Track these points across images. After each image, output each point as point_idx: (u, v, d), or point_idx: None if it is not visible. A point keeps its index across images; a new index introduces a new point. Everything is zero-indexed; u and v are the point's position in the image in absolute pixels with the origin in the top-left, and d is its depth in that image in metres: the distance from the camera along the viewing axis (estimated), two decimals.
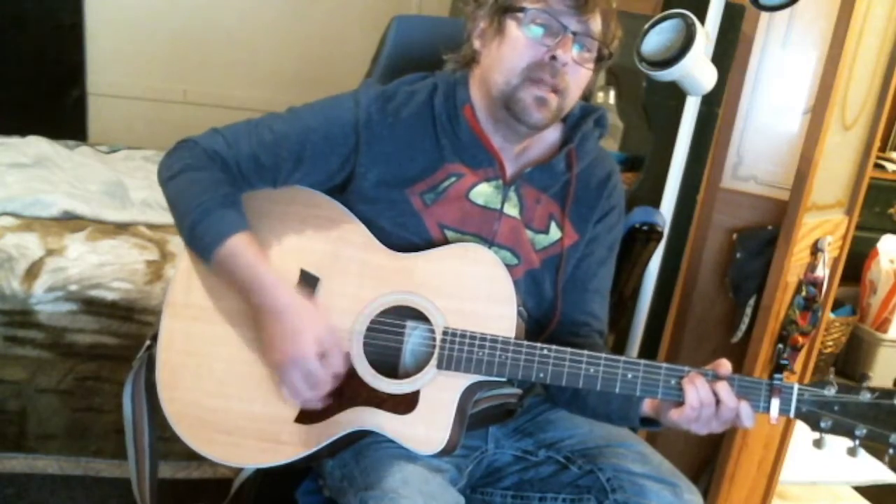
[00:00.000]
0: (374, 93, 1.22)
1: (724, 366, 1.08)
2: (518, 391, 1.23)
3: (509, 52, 1.15)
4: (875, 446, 1.05)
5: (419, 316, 1.15)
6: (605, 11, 1.15)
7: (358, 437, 1.15)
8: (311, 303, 1.14)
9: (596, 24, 1.14)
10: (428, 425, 1.11)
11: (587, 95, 1.27)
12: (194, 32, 3.56)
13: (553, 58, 1.12)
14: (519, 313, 1.14)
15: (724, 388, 1.06)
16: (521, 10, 1.14)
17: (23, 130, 2.81)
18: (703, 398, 1.06)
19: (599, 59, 1.18)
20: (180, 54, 3.58)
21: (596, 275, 1.30)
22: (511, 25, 1.15)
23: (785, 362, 1.13)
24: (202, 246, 1.13)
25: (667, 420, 1.10)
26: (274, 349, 1.12)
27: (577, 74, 1.16)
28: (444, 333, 1.12)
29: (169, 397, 1.18)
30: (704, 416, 1.06)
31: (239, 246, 1.12)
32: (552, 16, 1.12)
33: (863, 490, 2.56)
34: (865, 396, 1.04)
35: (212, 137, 1.19)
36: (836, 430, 1.05)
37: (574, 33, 1.12)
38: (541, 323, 1.27)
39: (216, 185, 1.15)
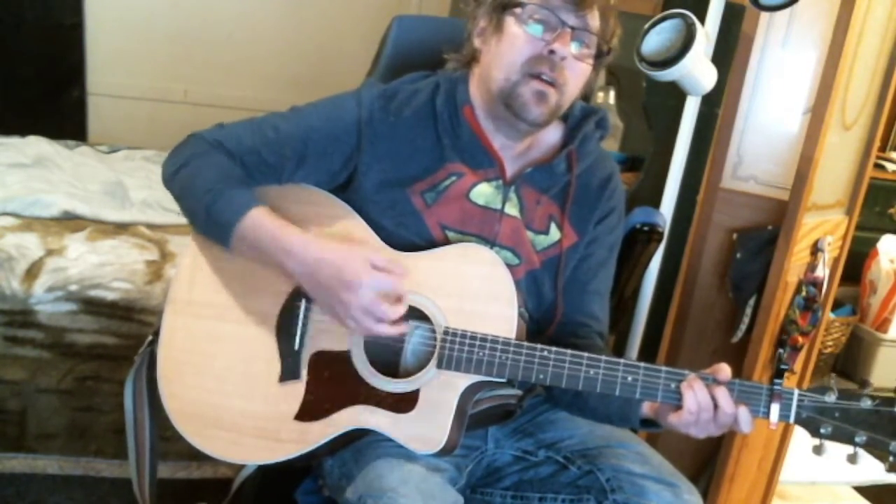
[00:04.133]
0: (376, 91, 1.23)
1: (724, 370, 1.08)
2: (518, 392, 1.23)
3: (508, 47, 1.15)
4: (875, 454, 1.04)
5: (420, 315, 1.15)
6: (604, 8, 1.16)
7: (357, 436, 1.15)
8: (342, 242, 1.13)
9: (594, 19, 1.15)
10: (427, 425, 1.11)
11: (587, 95, 1.27)
12: (194, 32, 3.56)
13: (551, 52, 1.13)
14: (520, 314, 1.14)
15: (722, 394, 1.06)
16: (520, 5, 1.15)
17: (23, 130, 2.81)
18: (701, 403, 1.05)
19: (599, 56, 1.18)
20: (180, 54, 3.58)
21: (596, 276, 1.30)
22: (510, 22, 1.16)
23: (785, 367, 1.13)
24: (220, 226, 1.12)
25: (666, 423, 1.11)
26: (330, 298, 1.09)
27: (576, 70, 1.16)
28: (445, 333, 1.12)
29: (170, 394, 1.18)
30: (702, 421, 1.06)
31: (259, 217, 1.11)
32: (550, 11, 1.13)
33: (863, 490, 2.56)
34: (866, 403, 1.03)
35: (216, 131, 1.20)
36: (836, 436, 1.04)
37: (572, 28, 1.13)
38: (541, 323, 1.27)
39: (225, 167, 1.16)
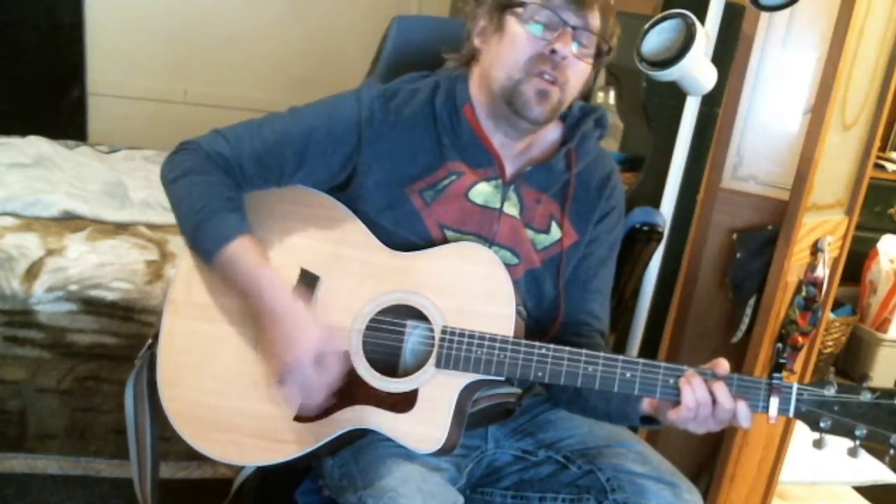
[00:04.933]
0: (376, 91, 1.23)
1: (723, 365, 1.08)
2: (517, 391, 1.23)
3: (510, 47, 1.16)
4: (875, 447, 1.04)
5: (419, 315, 1.15)
6: (604, 7, 1.17)
7: (357, 436, 1.15)
8: (310, 308, 1.14)
9: (595, 19, 1.16)
10: (426, 424, 1.11)
11: (587, 95, 1.27)
12: (194, 32, 3.56)
13: (553, 51, 1.13)
14: (518, 312, 1.14)
15: (720, 389, 1.05)
16: (522, 5, 1.15)
17: (23, 130, 2.81)
18: (699, 398, 1.05)
19: (599, 55, 1.19)
20: (180, 54, 3.58)
21: (597, 275, 1.30)
22: (511, 21, 1.16)
23: (784, 361, 1.12)
24: (204, 250, 1.14)
25: (665, 419, 1.11)
26: (271, 355, 1.12)
27: (577, 69, 1.17)
28: (443, 332, 1.12)
29: (169, 395, 1.18)
30: (701, 417, 1.06)
31: (239, 251, 1.12)
32: (552, 11, 1.14)
33: (863, 490, 2.56)
34: (866, 396, 1.03)
35: (214, 139, 1.20)
36: (835, 430, 1.04)
37: (573, 28, 1.14)
38: (541, 322, 1.27)
39: (218, 189, 1.15)
